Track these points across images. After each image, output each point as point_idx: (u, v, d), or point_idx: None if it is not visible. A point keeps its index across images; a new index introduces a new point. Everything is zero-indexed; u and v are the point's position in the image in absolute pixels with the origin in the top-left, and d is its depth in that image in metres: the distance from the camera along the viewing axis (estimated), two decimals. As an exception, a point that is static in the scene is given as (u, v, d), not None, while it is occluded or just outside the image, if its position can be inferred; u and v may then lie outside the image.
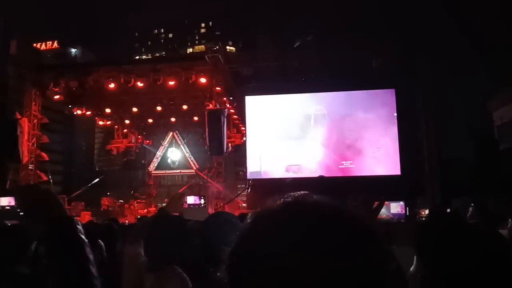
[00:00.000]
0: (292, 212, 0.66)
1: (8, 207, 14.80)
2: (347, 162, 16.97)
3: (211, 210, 15.35)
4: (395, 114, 16.81)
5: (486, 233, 1.70)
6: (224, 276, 0.68)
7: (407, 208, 12.14)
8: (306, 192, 0.71)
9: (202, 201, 16.80)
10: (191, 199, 16.86)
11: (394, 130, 16.71)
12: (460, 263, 1.14)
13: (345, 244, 0.62)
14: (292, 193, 0.71)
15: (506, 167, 17.11)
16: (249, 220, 0.69)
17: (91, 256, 1.32)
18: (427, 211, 13.95)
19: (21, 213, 1.60)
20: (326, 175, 16.27)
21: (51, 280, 1.29)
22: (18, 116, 17.81)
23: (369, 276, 0.61)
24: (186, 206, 16.64)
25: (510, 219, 2.41)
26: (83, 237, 1.32)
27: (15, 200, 14.02)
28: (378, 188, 13.57)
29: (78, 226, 1.34)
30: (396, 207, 11.87)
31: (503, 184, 15.67)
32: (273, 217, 0.67)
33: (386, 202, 11.49)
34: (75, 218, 1.37)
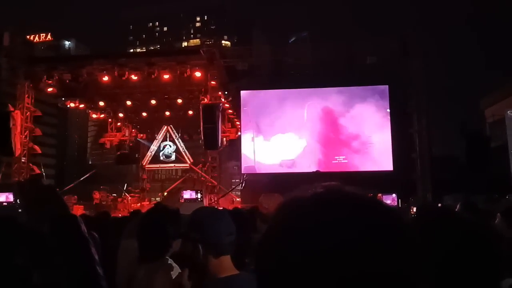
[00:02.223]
0: (326, 203, 0.63)
1: (6, 203, 14.38)
2: (340, 157, 17.07)
3: (207, 205, 15.38)
4: (388, 111, 16.91)
5: (470, 223, 1.74)
6: (253, 272, 0.64)
7: (399, 200, 12.25)
8: (335, 183, 0.69)
9: (199, 195, 16.84)
10: (187, 194, 16.90)
11: (387, 126, 16.82)
12: (442, 251, 1.17)
13: (384, 236, 0.60)
14: (321, 184, 0.68)
15: (496, 164, 17.27)
16: (277, 214, 0.66)
17: (96, 256, 1.29)
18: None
19: (20, 210, 1.56)
20: (320, 170, 16.37)
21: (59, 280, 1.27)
22: (11, 109, 17.68)
23: (405, 269, 0.59)
24: (183, 201, 16.69)
25: (498, 214, 2.47)
26: (87, 236, 1.29)
27: (14, 196, 13.65)
28: (374, 184, 13.67)
29: (81, 225, 1.31)
30: (387, 200, 11.98)
31: (493, 181, 15.84)
32: (306, 209, 0.63)
33: (379, 195, 11.60)
34: (78, 216, 1.34)
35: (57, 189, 1.45)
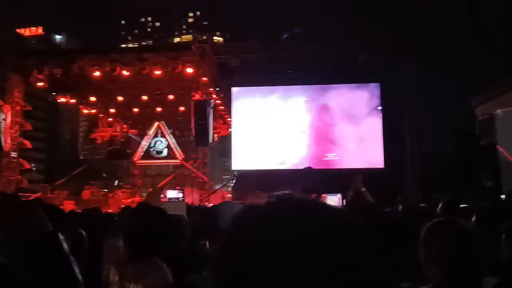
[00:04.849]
0: (277, 212, 0.67)
1: None
2: (331, 154, 17.13)
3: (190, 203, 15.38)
4: (380, 108, 16.99)
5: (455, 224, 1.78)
6: (210, 275, 0.69)
7: (344, 200, 12.25)
8: (287, 191, 0.74)
9: (180, 195, 16.84)
10: (171, 193, 16.90)
11: (378, 124, 16.91)
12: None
13: (334, 243, 0.63)
14: (274, 193, 0.74)
15: (485, 162, 17.43)
16: (232, 224, 0.69)
17: (80, 277, 1.23)
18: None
19: None
20: (311, 167, 16.41)
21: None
22: (1, 103, 17.52)
23: (365, 277, 0.62)
24: (167, 200, 16.69)
25: (474, 215, 2.50)
26: (68, 255, 1.23)
27: None
28: (364, 181, 13.70)
29: (63, 243, 1.25)
30: (332, 200, 12.00)
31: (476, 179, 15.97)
32: (258, 219, 0.67)
33: (323, 195, 11.65)
34: (58, 234, 1.28)
35: (36, 204, 1.38)
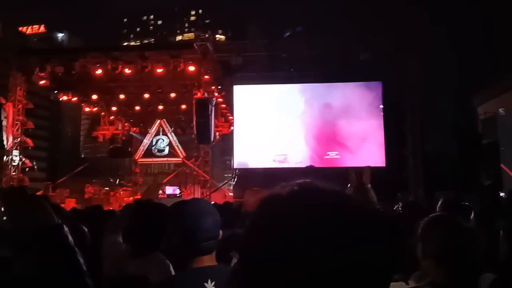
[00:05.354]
0: (301, 199, 0.68)
1: None
2: (333, 152, 17.13)
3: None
4: (381, 107, 16.98)
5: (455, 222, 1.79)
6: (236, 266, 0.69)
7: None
8: (309, 180, 0.74)
9: (178, 191, 16.91)
10: (170, 190, 16.95)
11: (380, 122, 16.90)
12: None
13: (356, 231, 0.64)
14: (297, 181, 0.73)
15: (486, 161, 17.42)
16: (257, 211, 0.71)
17: (84, 267, 1.27)
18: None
19: (4, 218, 1.50)
20: (313, 165, 16.43)
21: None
22: (3, 101, 17.56)
23: (379, 260, 0.64)
24: (165, 196, 16.75)
25: (472, 213, 2.51)
26: (73, 246, 1.27)
27: None
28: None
29: (68, 235, 1.30)
30: None
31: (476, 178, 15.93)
32: (283, 205, 0.68)
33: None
34: (64, 226, 1.32)
35: (43, 198, 1.42)
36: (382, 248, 0.66)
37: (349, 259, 0.62)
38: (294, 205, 0.67)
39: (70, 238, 1.30)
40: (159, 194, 17.46)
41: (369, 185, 4.18)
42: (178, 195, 16.73)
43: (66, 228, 1.32)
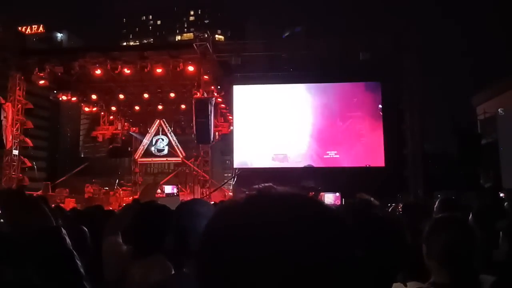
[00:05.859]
0: (254, 204, 0.67)
1: None
2: (332, 152, 17.15)
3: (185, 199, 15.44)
4: (381, 107, 16.99)
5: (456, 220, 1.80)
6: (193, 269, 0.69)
7: (343, 199, 12.22)
8: (270, 184, 0.73)
9: (175, 190, 16.93)
10: (168, 189, 16.96)
11: (379, 122, 16.91)
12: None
13: (312, 235, 0.62)
14: (256, 186, 0.72)
15: (486, 162, 17.41)
16: (211, 219, 0.69)
17: (82, 271, 1.26)
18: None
19: (1, 220, 1.48)
20: (312, 164, 16.47)
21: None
22: (2, 101, 17.53)
23: (341, 258, 0.62)
24: (164, 195, 16.76)
25: (471, 214, 2.51)
26: (71, 249, 1.26)
27: None
28: (365, 179, 13.74)
29: (65, 237, 1.28)
30: (328, 198, 11.96)
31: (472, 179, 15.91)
32: (236, 210, 0.67)
33: (321, 194, 11.57)
34: (62, 228, 1.32)
35: (41, 200, 1.41)
36: (341, 246, 0.64)
37: (311, 261, 0.60)
38: (248, 213, 0.65)
39: (68, 240, 1.29)
40: (158, 193, 17.50)
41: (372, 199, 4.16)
42: (175, 194, 16.75)
43: (64, 231, 1.31)
